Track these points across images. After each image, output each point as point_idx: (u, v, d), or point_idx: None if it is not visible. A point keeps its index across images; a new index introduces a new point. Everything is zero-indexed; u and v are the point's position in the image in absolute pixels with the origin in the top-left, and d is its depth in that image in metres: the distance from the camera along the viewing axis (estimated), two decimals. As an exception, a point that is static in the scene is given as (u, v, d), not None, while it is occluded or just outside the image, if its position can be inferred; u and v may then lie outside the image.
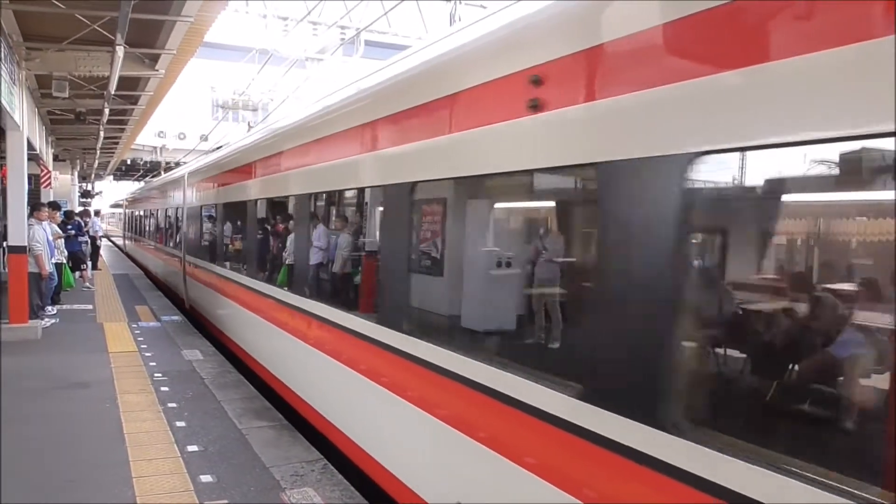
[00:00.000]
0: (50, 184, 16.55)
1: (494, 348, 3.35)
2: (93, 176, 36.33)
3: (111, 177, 43.91)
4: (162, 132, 37.68)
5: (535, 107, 2.77)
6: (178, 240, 13.27)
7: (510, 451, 2.85)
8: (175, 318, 11.70)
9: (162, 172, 28.80)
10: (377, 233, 4.50)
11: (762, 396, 2.35)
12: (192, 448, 5.26)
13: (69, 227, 14.31)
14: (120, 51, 8.87)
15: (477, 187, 3.48)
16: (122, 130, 18.12)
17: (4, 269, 12.61)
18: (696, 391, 2.27)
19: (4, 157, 12.35)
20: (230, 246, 9.17)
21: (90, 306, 12.82)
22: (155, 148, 36.62)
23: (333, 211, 5.59)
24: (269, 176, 6.50)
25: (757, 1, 2.11)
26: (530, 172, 2.92)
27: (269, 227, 7.39)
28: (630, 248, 2.35)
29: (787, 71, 2.00)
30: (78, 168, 26.79)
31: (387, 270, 3.88)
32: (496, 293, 3.55)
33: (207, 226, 10.48)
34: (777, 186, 2.31)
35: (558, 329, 3.43)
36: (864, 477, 1.86)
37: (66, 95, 10.78)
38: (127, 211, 27.89)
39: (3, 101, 7.98)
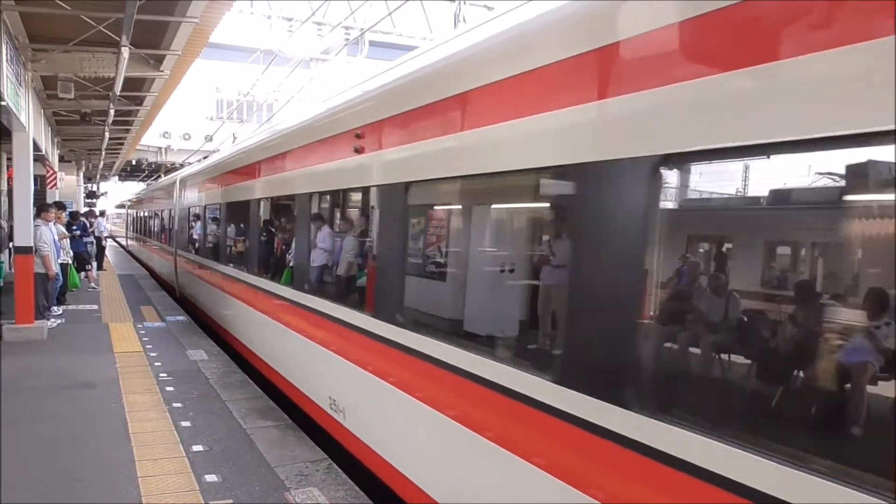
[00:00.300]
0: (56, 185, 16.61)
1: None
2: (98, 177, 36.43)
3: (116, 177, 44.06)
4: (167, 133, 37.73)
5: (357, 150, 4.62)
6: (170, 237, 15.47)
7: (475, 423, 3.24)
8: (180, 318, 11.75)
9: (163, 175, 28.96)
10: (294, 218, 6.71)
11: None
12: (197, 448, 5.28)
13: (74, 227, 14.37)
14: (125, 52, 8.90)
15: (339, 194, 5.77)
16: (128, 131, 18.19)
17: (11, 269, 12.64)
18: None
19: (10, 159, 12.40)
20: (207, 239, 11.26)
21: (95, 306, 12.89)
22: (160, 149, 36.68)
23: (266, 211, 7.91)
24: (229, 187, 9.12)
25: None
26: (359, 189, 4.95)
27: (231, 224, 9.61)
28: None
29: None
30: (83, 169, 26.85)
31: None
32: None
33: (193, 224, 12.68)
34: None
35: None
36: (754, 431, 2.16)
37: (72, 96, 10.82)
38: (129, 212, 31.24)
39: (9, 103, 8.02)
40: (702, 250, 2.68)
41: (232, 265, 9.00)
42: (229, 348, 8.73)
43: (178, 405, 6.42)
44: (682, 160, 2.31)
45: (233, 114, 36.43)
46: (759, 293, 2.52)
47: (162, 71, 10.79)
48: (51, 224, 11.56)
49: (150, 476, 4.74)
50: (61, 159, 19.95)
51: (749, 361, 2.47)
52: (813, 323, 2.24)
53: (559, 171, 2.78)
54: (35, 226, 10.38)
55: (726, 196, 2.45)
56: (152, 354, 8.75)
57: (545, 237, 3.57)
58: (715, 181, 2.46)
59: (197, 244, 12.20)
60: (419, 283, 4.18)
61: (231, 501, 4.38)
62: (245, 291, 7.96)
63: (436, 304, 4.10)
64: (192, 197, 12.65)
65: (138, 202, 25.84)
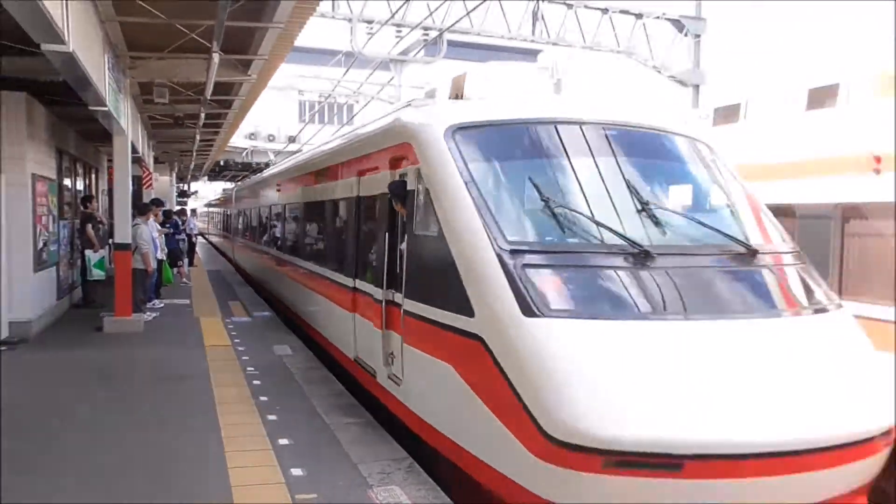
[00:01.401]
0: (151, 185, 17.37)
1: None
2: (189, 177, 38.00)
3: (206, 177, 45.88)
4: (252, 134, 38.95)
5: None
6: (229, 228, 22.74)
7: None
8: (265, 313, 12.04)
9: (250, 175, 29.96)
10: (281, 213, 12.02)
11: None
12: (282, 441, 5.37)
13: (167, 225, 14.88)
14: (216, 57, 9.22)
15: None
16: (216, 133, 18.88)
17: (111, 264, 13.32)
18: None
19: (111, 160, 13.08)
20: (250, 228, 16.60)
21: (187, 301, 13.32)
22: (246, 150, 37.95)
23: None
24: (268, 194, 13.98)
25: None
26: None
27: (265, 220, 14.23)
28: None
29: None
30: (175, 169, 27.98)
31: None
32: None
33: (243, 219, 18.40)
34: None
35: None
36: None
37: (166, 101, 11.31)
38: (210, 211, 36.86)
39: (111, 108, 8.45)
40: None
41: (315, 262, 9.14)
42: (313, 343, 8.99)
43: (265, 399, 6.55)
44: None
45: (315, 116, 37.35)
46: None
47: (249, 75, 11.12)
48: (150, 222, 12.02)
49: (238, 467, 4.84)
50: (156, 160, 20.79)
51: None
52: None
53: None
54: (135, 224, 10.87)
55: None
56: (240, 348, 8.98)
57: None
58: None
59: (245, 232, 16.29)
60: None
61: (316, 496, 4.41)
62: (330, 288, 7.81)
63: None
64: (240, 203, 17.45)
65: (212, 205, 29.23)
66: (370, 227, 6.25)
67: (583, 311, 3.74)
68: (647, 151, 4.96)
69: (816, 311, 4.27)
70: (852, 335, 4.24)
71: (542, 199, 4.29)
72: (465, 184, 4.42)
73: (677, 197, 4.93)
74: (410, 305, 4.95)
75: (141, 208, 11.73)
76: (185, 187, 42.14)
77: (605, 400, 3.39)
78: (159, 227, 13.03)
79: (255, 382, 7.23)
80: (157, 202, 14.08)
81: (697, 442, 3.33)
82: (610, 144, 4.79)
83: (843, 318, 4.34)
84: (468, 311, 4.06)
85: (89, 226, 12.01)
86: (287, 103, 39.90)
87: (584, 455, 3.37)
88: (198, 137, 17.90)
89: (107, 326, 9.94)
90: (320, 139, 23.36)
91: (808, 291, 4.46)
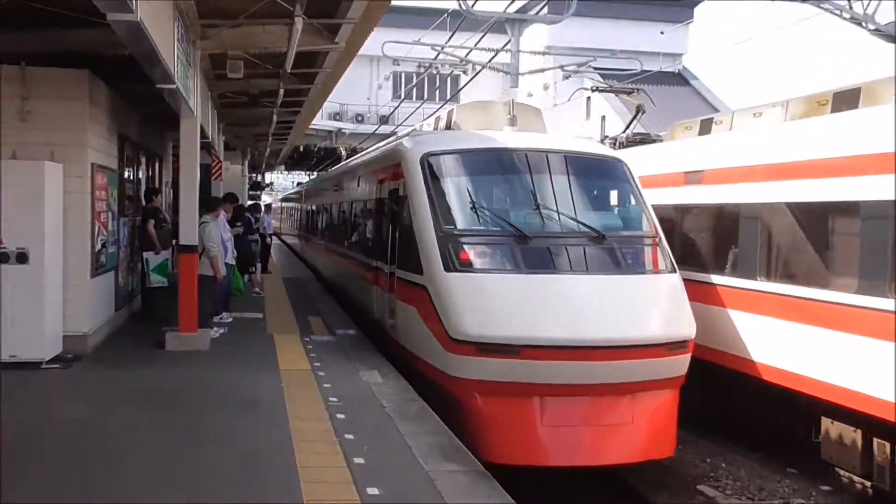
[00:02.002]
0: (221, 175, 18.20)
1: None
2: (263, 165, 39.39)
3: (282, 166, 47.53)
4: (338, 115, 40.11)
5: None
6: (304, 227, 27.40)
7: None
8: (350, 332, 12.33)
9: (331, 165, 31.34)
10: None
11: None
12: (372, 491, 5.39)
13: (238, 224, 15.38)
14: (298, 22, 9.50)
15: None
16: (297, 113, 19.52)
17: (174, 269, 13.97)
18: None
19: (176, 147, 13.72)
20: (325, 227, 20.52)
21: (260, 315, 13.89)
22: (330, 133, 39.01)
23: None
24: (314, 197, 23.66)
25: None
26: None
27: (335, 217, 18.32)
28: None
29: None
30: (248, 157, 29.11)
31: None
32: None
33: (319, 217, 22.45)
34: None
35: None
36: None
37: (241, 76, 11.77)
38: (284, 206, 41.04)
39: (180, 85, 8.84)
40: None
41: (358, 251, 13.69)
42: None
43: (350, 437, 6.65)
44: None
45: (412, 91, 37.93)
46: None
47: (336, 43, 11.40)
48: (221, 219, 12.58)
49: (319, 521, 4.94)
50: (226, 147, 21.66)
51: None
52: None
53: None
54: (202, 222, 11.27)
55: None
56: (321, 374, 9.23)
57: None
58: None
59: (307, 227, 24.61)
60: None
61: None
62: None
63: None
64: (306, 202, 25.77)
65: (287, 200, 32.43)
66: (383, 220, 11.71)
67: (476, 268, 8.64)
68: (560, 169, 9.82)
69: (641, 272, 9.16)
70: (667, 287, 9.03)
71: (471, 202, 9.27)
72: (427, 193, 9.42)
73: (579, 201, 9.63)
74: (399, 273, 10.11)
75: (209, 204, 12.21)
76: (259, 178, 43.78)
77: (477, 315, 8.16)
78: (230, 227, 13.55)
79: (339, 416, 7.38)
80: (231, 198, 14.69)
81: (528, 337, 7.93)
82: (531, 164, 9.76)
83: (666, 278, 9.14)
84: (420, 271, 9.01)
85: (151, 223, 12.62)
86: (379, 77, 40.79)
87: (466, 346, 8.07)
88: (275, 119, 18.56)
89: (169, 343, 10.40)
90: (417, 119, 23.95)
91: (640, 261, 9.33)
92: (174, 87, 8.59)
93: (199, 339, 10.51)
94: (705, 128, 11.84)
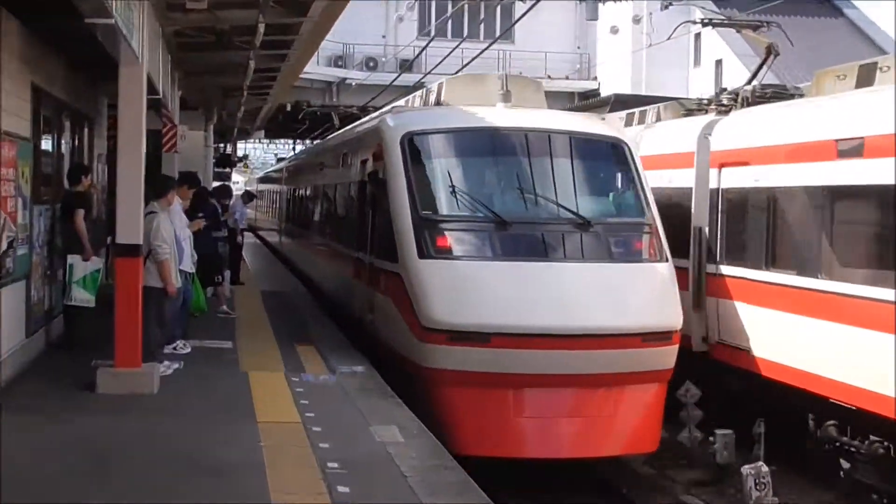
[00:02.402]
0: (176, 145, 18.22)
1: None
2: (235, 132, 39.37)
3: (262, 133, 47.45)
4: (341, 59, 39.94)
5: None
6: (279, 215, 31.73)
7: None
8: (357, 368, 12.38)
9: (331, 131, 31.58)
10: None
11: None
12: None
13: (200, 215, 15.37)
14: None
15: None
16: (283, 58, 19.48)
17: (108, 279, 14.00)
18: None
19: (113, 106, 13.62)
20: (297, 214, 25.39)
21: (229, 343, 13.90)
22: (329, 85, 38.75)
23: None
24: (302, 175, 26.44)
25: None
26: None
27: (303, 205, 24.68)
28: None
29: None
30: (214, 120, 28.95)
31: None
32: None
33: (286, 204, 28.00)
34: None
35: None
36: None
37: (205, 5, 11.71)
38: (263, 189, 43.33)
39: (119, 20, 8.77)
40: None
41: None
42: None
43: (358, 522, 6.61)
44: None
45: (446, 25, 37.77)
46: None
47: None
48: (175, 208, 12.46)
49: None
50: (184, 105, 21.60)
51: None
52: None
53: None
54: (148, 213, 11.30)
55: None
56: (315, 429, 9.16)
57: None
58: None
59: (282, 214, 31.09)
60: None
61: None
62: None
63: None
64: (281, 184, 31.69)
65: (290, 173, 31.64)
66: (365, 207, 14.50)
67: (451, 255, 11.48)
68: (551, 150, 12.61)
69: (625, 261, 11.93)
70: (652, 277, 11.88)
71: (451, 186, 12.05)
72: (405, 176, 12.03)
73: (568, 185, 12.39)
74: (376, 262, 12.97)
75: (159, 186, 12.19)
76: (229, 150, 43.75)
77: (449, 302, 10.98)
78: (188, 220, 13.61)
79: (341, 489, 7.33)
80: (190, 178, 14.70)
81: (499, 325, 10.65)
82: (518, 145, 12.61)
83: (654, 267, 11.98)
84: (396, 259, 11.76)
85: (79, 214, 12.59)
86: (399, 6, 40.51)
87: (437, 334, 10.85)
88: (252, 65, 18.47)
89: (102, 383, 10.32)
90: (452, 66, 23.97)
91: (626, 249, 12.07)
92: (110, 21, 8.57)
93: (143, 377, 10.51)
94: (866, 77, 11.86)
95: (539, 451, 10.93)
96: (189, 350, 13.04)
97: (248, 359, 12.90)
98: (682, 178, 14.39)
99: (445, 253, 11.57)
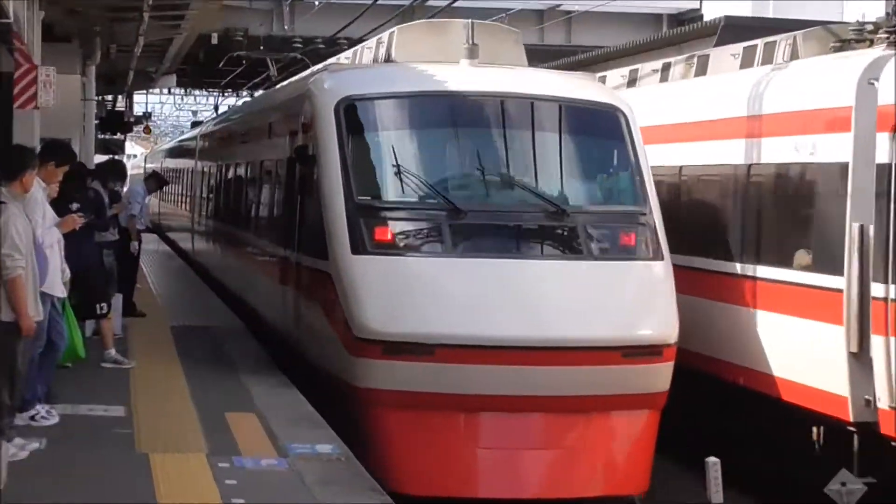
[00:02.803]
0: (36, 98, 17.45)
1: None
2: (131, 78, 38.87)
3: (173, 80, 46.64)
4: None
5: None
6: (193, 207, 33.86)
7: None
8: (322, 447, 12.06)
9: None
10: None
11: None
12: None
13: (73, 206, 15.51)
14: None
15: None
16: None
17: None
18: None
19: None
20: (218, 205, 27.61)
21: (120, 410, 13.74)
22: (280, 4, 37.39)
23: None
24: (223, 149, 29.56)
25: None
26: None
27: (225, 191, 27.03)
28: None
29: None
30: (97, 59, 28.95)
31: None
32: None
33: (203, 190, 31.22)
34: None
35: None
36: None
37: None
38: (167, 165, 48.34)
39: None
40: None
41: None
42: None
43: None
44: None
45: None
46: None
47: None
48: (35, 197, 12.29)
49: None
50: (48, 35, 21.82)
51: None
52: None
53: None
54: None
55: None
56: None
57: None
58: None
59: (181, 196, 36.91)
60: None
61: None
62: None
63: None
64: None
65: (207, 145, 33.34)
66: (292, 192, 16.44)
67: (391, 250, 13.14)
68: (526, 121, 14.28)
69: (608, 258, 13.57)
70: (641, 277, 13.62)
71: (395, 166, 13.48)
72: (339, 153, 13.57)
73: (545, 164, 14.16)
74: (303, 260, 15.27)
75: (9, 162, 12.07)
76: (123, 105, 43.17)
77: (386, 308, 12.69)
78: (55, 213, 13.37)
79: None
80: (59, 150, 14.42)
81: (444, 335, 12.20)
82: (480, 115, 14.30)
83: (644, 266, 13.66)
84: (325, 255, 13.71)
85: None
86: None
87: (372, 346, 12.53)
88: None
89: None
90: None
91: (611, 243, 13.74)
92: None
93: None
94: None
95: (498, 490, 11.99)
96: (56, 420, 12.79)
97: (149, 434, 12.57)
98: (829, 148, 13.84)
99: (385, 247, 12.91)
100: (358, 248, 12.55)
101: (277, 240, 17.17)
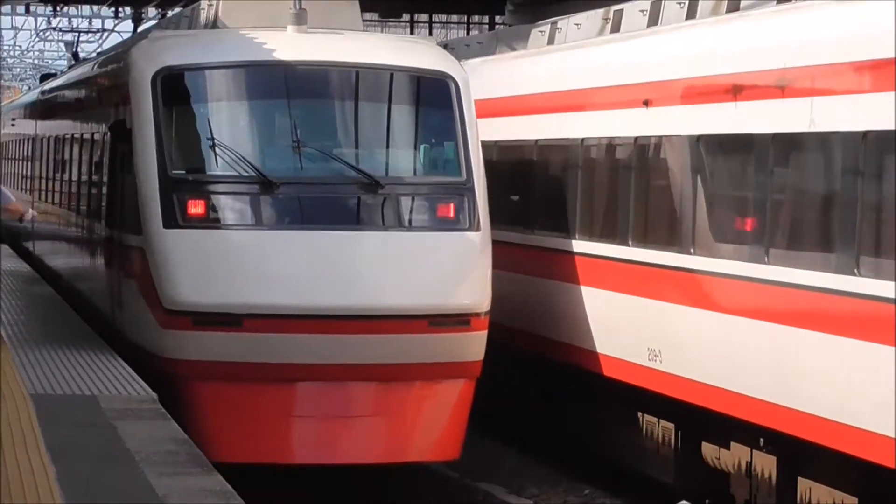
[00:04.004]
0: None
1: None
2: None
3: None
4: None
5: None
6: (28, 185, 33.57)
7: None
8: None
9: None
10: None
11: None
12: None
13: None
14: None
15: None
16: None
17: None
18: None
19: None
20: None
21: None
22: None
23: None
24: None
25: None
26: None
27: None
28: None
29: None
30: None
31: None
32: None
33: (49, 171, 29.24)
34: None
35: None
36: None
37: None
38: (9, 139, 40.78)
39: None
40: None
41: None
42: None
43: None
44: None
45: None
46: None
47: None
48: None
49: None
50: None
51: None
52: None
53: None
54: None
55: None
56: None
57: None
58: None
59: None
60: None
61: None
62: None
63: None
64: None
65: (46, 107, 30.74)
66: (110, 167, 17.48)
67: (203, 224, 14.55)
68: (349, 91, 15.29)
69: (420, 229, 14.98)
70: (455, 247, 14.84)
71: (210, 139, 14.84)
72: (154, 126, 14.69)
73: (366, 134, 15.41)
74: (122, 236, 16.25)
75: None
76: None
77: (195, 280, 14.34)
78: None
79: None
80: None
81: (252, 305, 14.13)
82: (300, 86, 15.39)
83: (459, 237, 14.86)
84: (139, 231, 15.11)
85: None
86: None
87: (182, 317, 14.25)
88: None
89: None
90: None
91: (425, 214, 14.97)
92: None
93: None
94: None
95: (311, 457, 13.46)
96: None
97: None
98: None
99: (197, 221, 13.98)
100: (170, 222, 13.46)
101: (100, 219, 17.74)
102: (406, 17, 53.84)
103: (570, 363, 17.11)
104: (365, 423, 12.82)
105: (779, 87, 12.89)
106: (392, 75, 14.89)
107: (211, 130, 13.86)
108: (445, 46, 22.57)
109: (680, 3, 16.32)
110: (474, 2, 46.52)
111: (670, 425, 15.14)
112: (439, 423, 13.16)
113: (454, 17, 66.72)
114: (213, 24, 16.60)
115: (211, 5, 17.35)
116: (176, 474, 10.37)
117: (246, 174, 13.57)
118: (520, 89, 20.17)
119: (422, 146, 14.77)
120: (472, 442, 18.08)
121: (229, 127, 14.24)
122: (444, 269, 13.63)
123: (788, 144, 12.82)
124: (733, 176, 14.09)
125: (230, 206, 13.59)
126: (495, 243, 15.41)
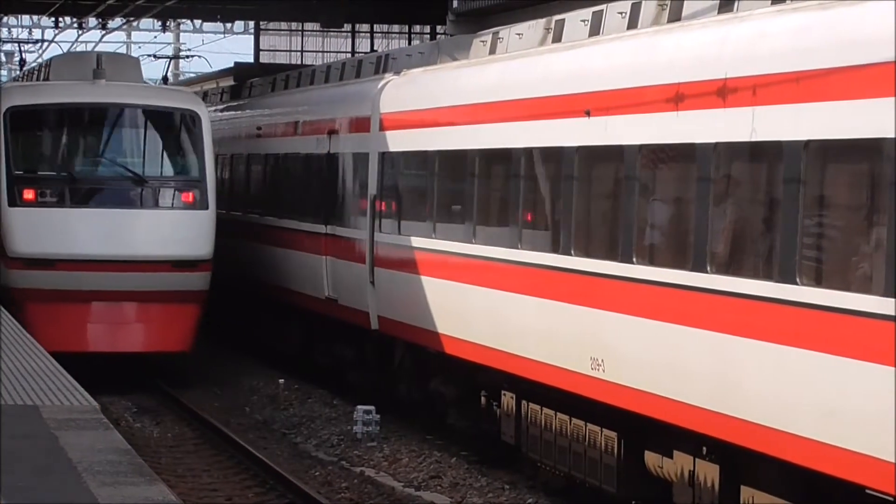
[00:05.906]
0: None
1: None
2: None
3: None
4: None
5: None
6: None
7: None
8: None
9: None
10: None
11: None
12: None
13: None
14: None
15: None
16: None
17: None
18: None
19: None
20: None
21: None
22: None
23: None
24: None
25: None
26: None
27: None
28: None
29: None
30: None
31: None
32: None
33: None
34: None
35: None
36: None
37: None
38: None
39: None
40: None
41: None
42: None
43: None
44: None
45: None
46: None
47: None
48: None
49: None
50: None
51: None
52: None
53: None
54: None
55: None
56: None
57: None
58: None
59: None
60: None
61: None
62: None
63: None
64: None
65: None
66: None
67: (33, 204, 32.72)
68: (123, 121, 32.59)
69: (174, 209, 31.90)
70: (190, 220, 31.76)
71: (39, 152, 33.46)
72: (4, 143, 31.99)
73: (135, 150, 32.94)
74: None
75: None
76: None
77: (28, 238, 32.38)
78: None
79: None
80: None
81: (62, 252, 32.80)
82: (100, 118, 32.68)
83: (193, 213, 31.68)
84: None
85: None
86: None
87: (18, 261, 33.42)
88: None
89: None
90: None
91: (173, 199, 31.85)
92: None
93: None
94: None
95: (99, 346, 26.97)
96: None
97: None
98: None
99: (30, 203, 26.40)
100: (13, 202, 25.68)
101: None
102: (347, 27, 61.52)
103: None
104: (132, 328, 24.59)
105: (720, 97, 13.15)
106: (151, 111, 25.93)
107: (41, 145, 23.44)
108: (386, 57, 30.23)
109: (621, 13, 16.64)
110: (416, 12, 47.47)
111: (613, 434, 15.67)
112: (179, 328, 25.07)
113: (395, 27, 67.25)
114: (47, 77, 28.08)
115: (46, 66, 30.00)
116: (118, 484, 10.33)
117: (60, 174, 24.00)
118: (462, 99, 20.93)
119: (174, 156, 25.71)
120: (416, 452, 19.68)
121: (51, 143, 24.79)
122: (183, 232, 25.02)
123: (730, 154, 13.16)
124: (676, 185, 14.46)
125: (50, 193, 24.44)
126: (435, 255, 21.12)
